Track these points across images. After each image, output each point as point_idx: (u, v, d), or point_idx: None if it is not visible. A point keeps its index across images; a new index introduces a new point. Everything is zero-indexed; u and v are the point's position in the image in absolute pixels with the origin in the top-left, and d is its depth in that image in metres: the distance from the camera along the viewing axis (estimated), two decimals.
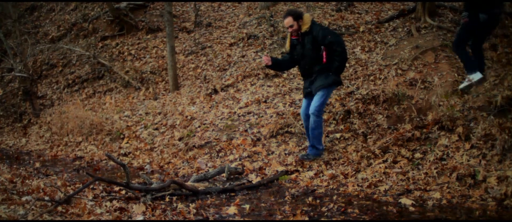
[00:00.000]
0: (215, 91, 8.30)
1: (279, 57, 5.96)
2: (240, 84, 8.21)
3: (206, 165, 6.12)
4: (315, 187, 4.83)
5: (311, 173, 5.26)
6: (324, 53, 5.40)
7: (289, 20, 5.50)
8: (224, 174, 5.44)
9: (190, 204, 4.29)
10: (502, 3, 5.76)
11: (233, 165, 5.75)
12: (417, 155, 4.99)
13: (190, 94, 8.65)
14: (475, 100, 5.41)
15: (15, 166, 6.72)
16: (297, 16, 5.49)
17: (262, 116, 6.88)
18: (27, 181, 5.19)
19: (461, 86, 5.71)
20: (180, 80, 9.50)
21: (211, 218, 3.98)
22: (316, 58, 5.45)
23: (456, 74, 6.33)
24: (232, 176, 5.43)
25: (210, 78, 8.92)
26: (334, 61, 5.38)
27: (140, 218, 3.92)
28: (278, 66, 6.05)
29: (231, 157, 6.17)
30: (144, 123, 8.10)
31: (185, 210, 4.09)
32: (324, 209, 4.08)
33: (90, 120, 8.58)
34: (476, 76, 5.55)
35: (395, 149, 5.17)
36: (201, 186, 5.05)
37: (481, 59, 5.85)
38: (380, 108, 6.13)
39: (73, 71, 11.57)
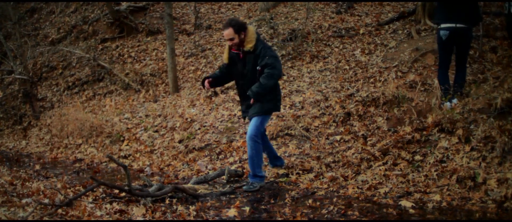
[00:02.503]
0: (215, 94, 8.30)
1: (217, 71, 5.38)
2: None
3: (206, 167, 6.12)
4: (315, 189, 4.83)
5: (311, 176, 5.26)
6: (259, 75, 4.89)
7: (229, 32, 4.85)
8: (224, 176, 5.44)
9: (190, 206, 4.30)
10: (470, 19, 5.59)
11: (233, 168, 5.75)
12: (417, 157, 4.99)
13: (190, 97, 8.65)
14: (475, 102, 5.41)
15: (15, 168, 6.71)
16: (239, 28, 4.86)
17: None
18: (27, 183, 5.19)
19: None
20: (180, 82, 9.50)
21: (210, 220, 3.98)
22: (257, 79, 4.91)
23: None
24: (232, 179, 5.42)
25: None
26: (261, 80, 4.81)
27: (140, 219, 3.92)
28: (218, 82, 5.39)
29: (231, 159, 6.17)
30: (144, 125, 8.10)
31: (185, 213, 4.09)
32: (324, 211, 4.08)
33: (90, 123, 8.57)
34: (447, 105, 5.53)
35: (395, 152, 5.17)
36: (201, 188, 5.05)
37: (461, 79, 5.78)
38: (380, 110, 6.14)
39: (73, 73, 11.57)
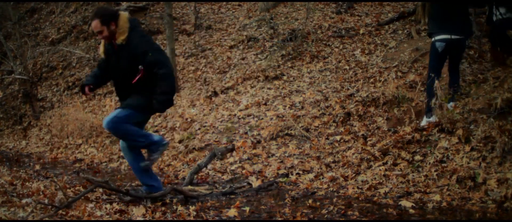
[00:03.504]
0: (215, 94, 8.31)
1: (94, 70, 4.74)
2: (240, 87, 8.22)
3: (206, 167, 6.12)
4: (315, 190, 4.83)
5: (311, 176, 5.26)
6: (140, 74, 4.22)
7: (96, 24, 4.17)
8: (224, 177, 5.44)
9: (190, 207, 4.29)
10: (464, 31, 5.48)
11: (232, 168, 5.75)
12: (417, 157, 4.99)
13: (190, 97, 8.65)
14: (475, 102, 5.41)
15: (15, 169, 6.71)
16: (107, 19, 4.16)
17: (262, 119, 6.88)
18: (27, 183, 5.19)
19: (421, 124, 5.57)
20: (180, 83, 9.50)
21: (210, 220, 3.98)
22: (134, 77, 4.27)
23: None
24: (223, 157, 5.29)
25: (210, 81, 8.93)
26: (159, 87, 4.23)
27: (140, 219, 3.92)
28: (100, 82, 4.73)
29: (231, 160, 6.17)
30: None
31: (185, 213, 4.09)
32: (324, 211, 4.08)
33: (90, 123, 8.58)
34: (427, 120, 5.45)
35: (395, 152, 5.17)
36: (201, 189, 5.05)
37: (456, 81, 5.71)
38: (380, 110, 6.14)
39: (73, 73, 11.57)
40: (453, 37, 5.42)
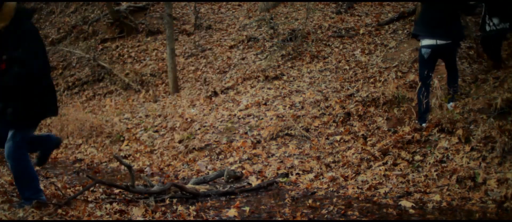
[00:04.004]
0: (215, 94, 8.31)
1: None
2: (240, 87, 8.22)
3: (206, 167, 6.12)
4: (315, 190, 4.83)
5: (311, 176, 5.26)
6: (3, 64, 3.54)
7: None
8: (223, 177, 5.44)
9: (190, 207, 4.30)
10: (452, 35, 5.33)
11: (232, 168, 5.76)
12: (417, 157, 4.99)
13: (190, 97, 8.65)
14: (475, 102, 5.41)
15: None
16: None
17: (262, 119, 6.88)
18: None
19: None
20: (180, 83, 9.50)
21: (210, 220, 3.98)
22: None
23: None
24: (231, 179, 5.43)
25: (210, 81, 8.93)
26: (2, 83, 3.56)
27: (140, 219, 3.93)
28: None
29: (231, 160, 6.17)
30: (144, 125, 8.10)
31: (185, 213, 4.09)
32: (324, 211, 4.08)
33: (90, 123, 8.57)
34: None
35: (395, 152, 5.17)
36: (201, 188, 5.05)
37: (455, 80, 5.68)
38: (380, 110, 6.14)
39: (73, 73, 11.57)
40: (438, 42, 5.29)
